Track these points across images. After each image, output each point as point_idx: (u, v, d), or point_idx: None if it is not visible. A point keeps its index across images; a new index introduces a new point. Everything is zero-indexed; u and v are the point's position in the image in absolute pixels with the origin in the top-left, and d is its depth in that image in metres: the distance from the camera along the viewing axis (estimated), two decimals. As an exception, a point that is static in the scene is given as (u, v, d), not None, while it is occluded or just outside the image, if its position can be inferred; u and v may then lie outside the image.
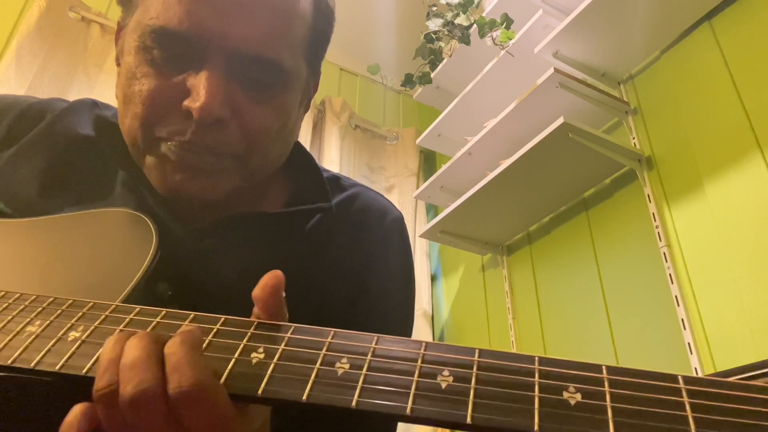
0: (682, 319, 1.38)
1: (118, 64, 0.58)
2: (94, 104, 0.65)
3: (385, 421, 0.59)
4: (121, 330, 0.34)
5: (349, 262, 0.61)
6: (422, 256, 2.46)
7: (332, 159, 2.44)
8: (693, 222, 1.46)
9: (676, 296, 1.41)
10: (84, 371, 0.34)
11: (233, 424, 0.32)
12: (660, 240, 1.50)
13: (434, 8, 2.12)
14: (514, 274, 2.04)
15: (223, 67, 0.51)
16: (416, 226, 2.49)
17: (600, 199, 1.78)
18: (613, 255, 1.67)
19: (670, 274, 1.45)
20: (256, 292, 0.38)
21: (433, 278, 2.50)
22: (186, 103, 0.50)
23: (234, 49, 0.51)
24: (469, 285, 2.29)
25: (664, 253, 1.48)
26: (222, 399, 0.32)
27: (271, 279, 0.37)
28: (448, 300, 2.40)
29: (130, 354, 0.33)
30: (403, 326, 0.65)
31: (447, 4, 2.09)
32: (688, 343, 1.35)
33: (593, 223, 1.78)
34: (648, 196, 1.58)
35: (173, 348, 0.33)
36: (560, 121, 1.52)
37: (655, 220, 1.54)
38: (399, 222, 0.69)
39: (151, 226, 0.50)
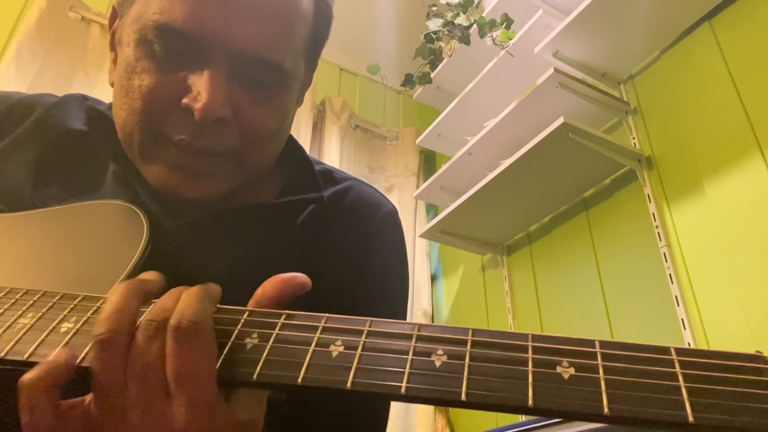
0: (682, 319, 1.38)
1: (113, 50, 0.57)
2: (84, 98, 0.65)
3: (379, 404, 0.59)
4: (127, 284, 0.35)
5: (343, 254, 0.61)
6: (422, 256, 2.46)
7: (332, 159, 2.44)
8: (693, 222, 1.46)
9: (676, 296, 1.41)
10: (77, 362, 0.34)
11: (214, 390, 0.33)
12: (660, 240, 1.50)
13: (434, 8, 2.12)
14: (514, 274, 2.03)
15: (225, 68, 0.50)
16: (416, 226, 2.48)
17: (600, 199, 1.78)
18: (613, 255, 1.67)
19: (670, 274, 1.44)
20: (279, 283, 0.38)
21: (433, 278, 2.49)
22: (186, 101, 0.49)
23: (237, 51, 0.50)
24: (469, 285, 2.29)
25: (664, 253, 1.48)
26: (212, 349, 0.33)
27: (300, 278, 0.38)
28: (448, 300, 2.40)
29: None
30: (399, 318, 0.65)
31: (447, 4, 2.09)
32: (688, 343, 1.35)
33: (593, 223, 1.77)
34: (648, 196, 1.58)
35: (193, 292, 0.35)
36: (560, 121, 1.52)
37: (655, 220, 1.54)
38: (393, 215, 0.69)
39: (142, 218, 0.49)
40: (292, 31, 0.54)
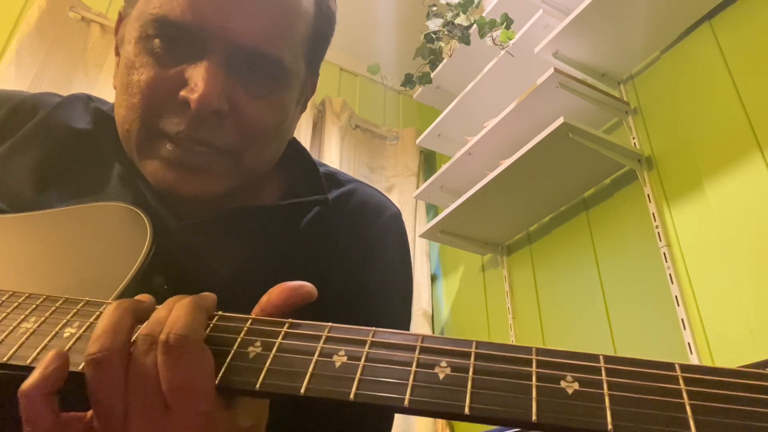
0: (682, 319, 1.38)
1: (117, 54, 0.57)
2: (89, 98, 0.65)
3: (382, 413, 0.59)
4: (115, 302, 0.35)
5: (346, 257, 0.61)
6: (422, 256, 2.46)
7: (332, 159, 2.44)
8: (693, 222, 1.46)
9: (676, 296, 1.41)
10: (80, 367, 0.34)
11: (212, 401, 0.33)
12: (660, 240, 1.50)
13: (434, 8, 2.12)
14: (514, 274, 2.03)
15: (223, 60, 0.50)
16: (416, 226, 2.48)
17: (600, 199, 1.78)
18: (613, 255, 1.67)
19: (670, 274, 1.45)
20: (285, 291, 0.38)
21: (433, 278, 2.49)
22: (183, 93, 0.49)
23: (235, 44, 0.50)
24: (469, 285, 2.29)
25: (664, 253, 1.48)
26: (206, 363, 0.33)
27: (306, 287, 0.38)
28: (448, 300, 2.40)
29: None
30: (402, 322, 0.65)
31: (447, 4, 2.09)
32: (688, 343, 1.35)
33: (593, 223, 1.77)
34: (648, 196, 1.58)
35: (184, 304, 0.35)
36: (560, 121, 1.52)
37: (655, 220, 1.54)
38: (397, 218, 0.69)
39: (145, 220, 0.49)
40: (290, 27, 0.54)
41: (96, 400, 0.33)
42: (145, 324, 0.35)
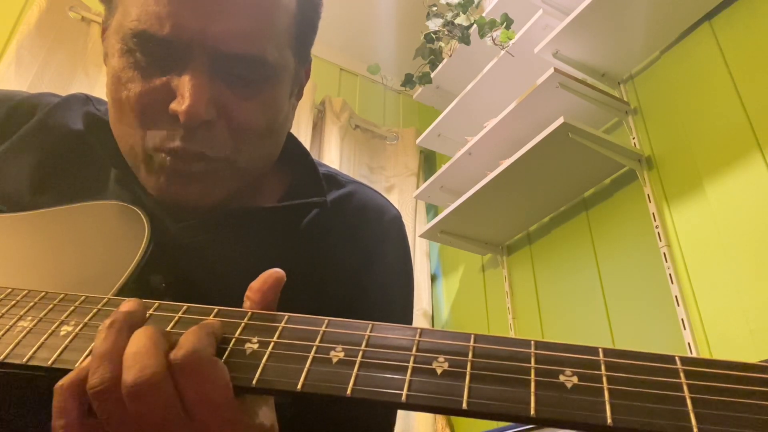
0: (682, 319, 1.38)
1: (107, 64, 0.57)
2: (87, 99, 0.64)
3: (383, 409, 0.59)
4: (109, 325, 0.34)
5: (347, 260, 0.61)
6: (422, 256, 2.46)
7: (332, 159, 2.44)
8: (693, 222, 1.46)
9: (676, 296, 1.41)
10: (76, 365, 0.34)
11: (234, 408, 0.32)
12: (660, 240, 1.50)
13: (434, 8, 2.12)
14: (514, 274, 2.03)
15: (206, 67, 0.49)
16: (416, 226, 2.48)
17: (600, 199, 1.78)
18: (613, 255, 1.67)
19: (670, 274, 1.44)
20: (256, 284, 0.38)
21: (433, 278, 2.49)
22: (172, 106, 0.49)
23: (216, 48, 0.49)
24: (469, 285, 2.29)
25: (664, 253, 1.48)
26: (221, 375, 0.32)
27: (273, 275, 0.38)
28: (448, 300, 2.40)
29: (134, 343, 0.33)
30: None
31: (447, 4, 2.09)
32: (688, 343, 1.35)
33: (593, 223, 1.77)
34: (648, 196, 1.58)
35: (189, 329, 0.34)
36: (560, 121, 1.52)
37: (655, 220, 1.53)
38: (397, 220, 0.69)
39: (143, 218, 0.49)
40: (271, 22, 0.52)
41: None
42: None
